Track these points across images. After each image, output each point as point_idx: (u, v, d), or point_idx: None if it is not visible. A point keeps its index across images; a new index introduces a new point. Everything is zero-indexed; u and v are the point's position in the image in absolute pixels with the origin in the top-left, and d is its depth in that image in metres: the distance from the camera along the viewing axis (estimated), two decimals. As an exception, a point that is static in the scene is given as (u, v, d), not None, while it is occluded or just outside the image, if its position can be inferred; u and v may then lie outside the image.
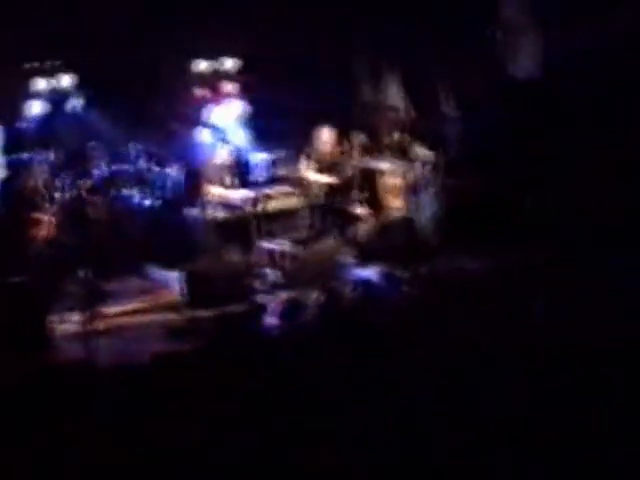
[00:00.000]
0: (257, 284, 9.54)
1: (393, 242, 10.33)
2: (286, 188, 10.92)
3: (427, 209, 10.56)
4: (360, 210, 10.92)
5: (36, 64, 11.51)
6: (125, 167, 11.82)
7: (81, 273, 9.09)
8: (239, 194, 10.30)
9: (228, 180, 10.40)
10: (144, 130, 12.02)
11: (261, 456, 4.53)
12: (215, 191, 10.25)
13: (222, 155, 10.60)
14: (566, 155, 9.81)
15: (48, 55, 11.55)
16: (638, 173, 9.32)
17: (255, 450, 4.57)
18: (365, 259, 10.00)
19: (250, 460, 4.50)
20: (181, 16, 11.80)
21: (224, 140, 11.34)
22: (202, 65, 12.50)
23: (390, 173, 11.13)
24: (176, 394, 5.21)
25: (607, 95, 9.92)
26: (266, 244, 10.17)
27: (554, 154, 9.91)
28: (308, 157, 10.56)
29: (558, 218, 9.49)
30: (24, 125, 11.51)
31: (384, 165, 11.24)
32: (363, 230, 10.81)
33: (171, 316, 8.92)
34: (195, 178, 11.05)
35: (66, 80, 11.62)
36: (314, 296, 7.15)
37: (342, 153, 10.86)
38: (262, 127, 12.27)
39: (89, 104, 11.79)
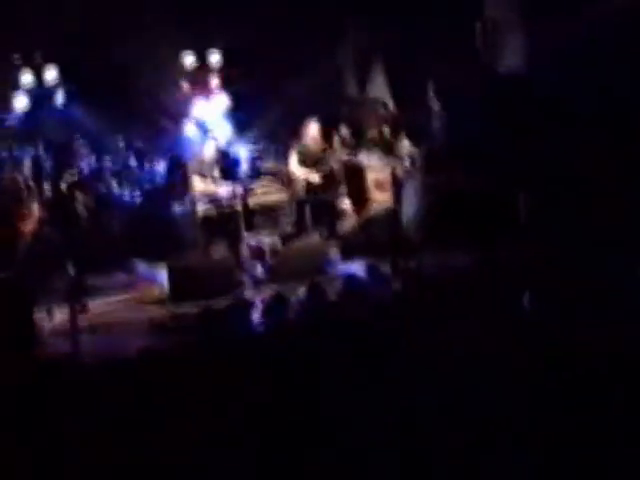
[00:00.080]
0: (242, 279, 9.58)
1: (378, 237, 10.36)
2: (272, 183, 10.94)
3: (412, 204, 10.57)
4: (345, 205, 10.96)
5: (20, 59, 11.45)
6: (111, 162, 11.83)
7: (67, 268, 9.11)
8: (225, 189, 10.28)
9: (214, 175, 10.38)
10: (130, 125, 12.03)
11: (249, 450, 4.57)
12: (201, 186, 10.24)
13: (208, 150, 10.57)
14: (551, 149, 9.85)
15: (33, 49, 11.51)
16: (626, 167, 9.36)
17: (243, 444, 4.60)
18: (350, 254, 10.03)
19: (239, 454, 4.53)
20: (165, 10, 11.82)
21: (209, 135, 11.34)
22: (188, 59, 12.48)
23: (375, 168, 11.16)
24: (162, 388, 5.23)
25: (592, 90, 9.97)
26: (252, 239, 10.19)
27: (539, 149, 9.94)
28: (296, 151, 10.52)
29: (544, 214, 9.54)
30: (9, 119, 11.50)
31: (369, 160, 11.26)
32: (348, 225, 10.85)
33: (156, 311, 8.94)
34: (181, 173, 11.07)
35: (51, 74, 11.57)
36: (299, 291, 7.16)
37: (328, 147, 10.86)
38: (246, 121, 12.29)
39: (74, 98, 11.76)
